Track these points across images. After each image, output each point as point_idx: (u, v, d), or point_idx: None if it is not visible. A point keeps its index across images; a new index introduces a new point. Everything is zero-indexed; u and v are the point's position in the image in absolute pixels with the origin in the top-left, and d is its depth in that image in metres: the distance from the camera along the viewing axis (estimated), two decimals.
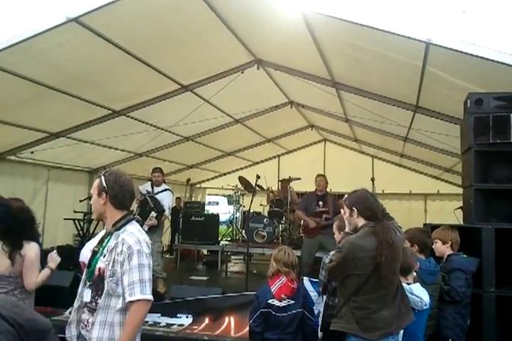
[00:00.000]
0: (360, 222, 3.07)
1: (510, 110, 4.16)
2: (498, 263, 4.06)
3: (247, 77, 6.72)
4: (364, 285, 2.91)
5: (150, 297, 2.51)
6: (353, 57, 5.61)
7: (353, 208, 3.08)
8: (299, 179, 9.91)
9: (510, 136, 4.12)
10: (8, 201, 3.65)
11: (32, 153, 7.26)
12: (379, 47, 4.76)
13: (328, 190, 8.97)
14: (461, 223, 4.86)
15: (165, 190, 7.26)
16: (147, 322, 5.41)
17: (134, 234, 2.60)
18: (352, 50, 5.29)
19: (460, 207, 5.40)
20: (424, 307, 3.29)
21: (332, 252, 3.73)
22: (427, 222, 10.06)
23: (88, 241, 7.04)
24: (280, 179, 10.65)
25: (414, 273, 3.47)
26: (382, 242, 2.87)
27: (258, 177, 8.34)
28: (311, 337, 3.68)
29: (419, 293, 3.29)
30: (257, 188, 8.90)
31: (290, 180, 9.80)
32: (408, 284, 3.32)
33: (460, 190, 5.15)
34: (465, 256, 4.04)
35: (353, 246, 2.95)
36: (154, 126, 7.98)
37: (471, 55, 3.80)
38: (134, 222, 2.70)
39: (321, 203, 7.65)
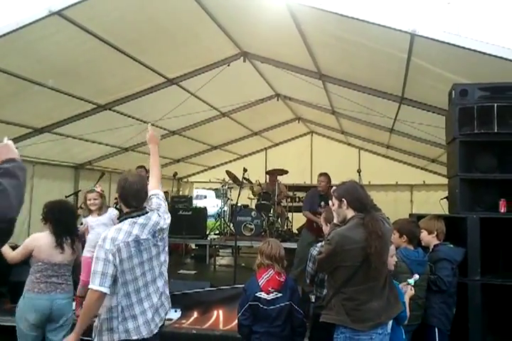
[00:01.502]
0: (350, 213, 3.08)
1: (494, 100, 4.20)
2: (483, 251, 4.12)
3: (233, 69, 6.69)
4: (353, 276, 2.93)
5: (95, 287, 2.78)
6: (339, 49, 5.61)
7: (343, 199, 3.09)
8: (286, 173, 9.92)
9: (494, 126, 4.17)
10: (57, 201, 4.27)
11: (16, 149, 7.15)
12: (364, 38, 4.76)
13: (315, 182, 8.93)
14: (447, 213, 4.91)
15: None
16: None
17: (108, 231, 2.95)
18: (337, 41, 5.29)
19: (445, 197, 5.45)
20: None
21: (320, 244, 3.76)
22: (413, 212, 10.16)
23: None
24: (267, 170, 10.63)
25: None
26: (372, 233, 2.89)
27: (245, 170, 8.34)
28: (300, 329, 3.71)
29: None
30: (245, 181, 8.90)
31: (277, 171, 9.80)
32: None
33: (445, 181, 5.21)
34: (451, 245, 4.09)
35: (343, 238, 2.96)
36: (140, 120, 7.91)
37: (456, 46, 3.83)
38: (127, 220, 2.98)
39: (323, 203, 7.44)
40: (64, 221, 4.02)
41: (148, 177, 7.70)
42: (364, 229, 2.95)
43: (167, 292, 3.15)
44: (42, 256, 3.88)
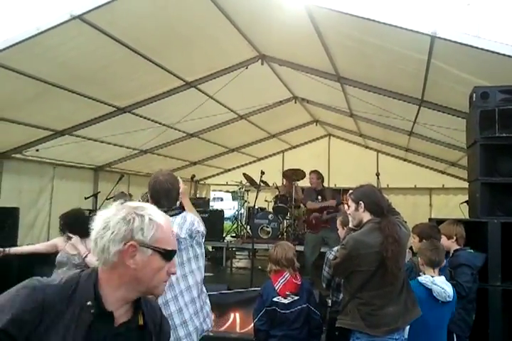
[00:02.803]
0: (366, 216, 3.06)
1: None
2: (504, 257, 4.06)
3: (251, 72, 6.70)
4: (369, 281, 2.91)
5: None
6: (358, 51, 5.58)
7: (360, 202, 3.07)
8: (303, 175, 9.86)
9: None
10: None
11: (37, 151, 7.27)
12: (384, 40, 4.73)
13: (333, 185, 9.00)
14: (467, 217, 4.85)
15: None
16: None
17: None
18: (356, 44, 5.26)
19: (465, 201, 5.39)
20: (448, 299, 3.32)
21: (336, 248, 3.75)
22: (432, 216, 10.04)
23: None
24: (283, 171, 10.59)
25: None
26: (388, 237, 2.87)
27: (262, 173, 8.35)
28: (317, 330, 3.70)
29: (442, 285, 3.32)
30: (262, 184, 8.89)
31: (293, 171, 9.75)
32: (432, 277, 3.35)
33: (465, 184, 5.14)
34: (472, 251, 4.03)
35: (357, 243, 2.95)
36: (158, 123, 7.98)
37: (477, 47, 3.78)
38: None
39: (319, 198, 7.75)
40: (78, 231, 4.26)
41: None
42: (380, 233, 2.92)
43: (207, 301, 3.06)
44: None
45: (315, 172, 7.93)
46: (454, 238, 4.04)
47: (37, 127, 6.74)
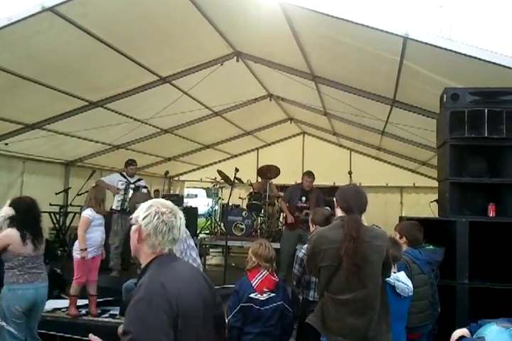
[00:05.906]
0: (338, 213, 3.11)
1: (485, 105, 4.24)
2: (472, 255, 4.16)
3: (226, 69, 6.68)
4: (332, 278, 2.89)
5: None
6: (332, 51, 5.62)
7: (334, 198, 3.15)
8: (278, 172, 9.87)
9: (485, 130, 4.21)
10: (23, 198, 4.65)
11: (6, 144, 7.10)
12: (357, 41, 4.77)
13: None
14: (436, 216, 4.95)
15: (140, 179, 8.19)
16: None
17: None
18: (331, 43, 5.30)
19: (435, 200, 5.49)
20: (410, 294, 3.38)
21: (305, 246, 3.79)
22: (403, 214, 10.21)
23: (64, 234, 7.10)
24: (259, 167, 10.55)
25: None
26: (346, 235, 2.87)
27: (237, 170, 8.33)
28: (289, 327, 3.72)
29: (405, 281, 3.38)
30: (236, 181, 8.89)
31: (269, 167, 9.74)
32: (394, 273, 3.40)
33: (435, 183, 5.24)
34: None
35: (320, 238, 2.99)
36: (132, 118, 7.88)
37: (448, 50, 3.85)
38: None
39: (303, 198, 7.79)
40: (30, 219, 4.39)
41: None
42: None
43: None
44: (21, 251, 4.23)
45: (311, 175, 7.78)
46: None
47: (6, 120, 6.58)
